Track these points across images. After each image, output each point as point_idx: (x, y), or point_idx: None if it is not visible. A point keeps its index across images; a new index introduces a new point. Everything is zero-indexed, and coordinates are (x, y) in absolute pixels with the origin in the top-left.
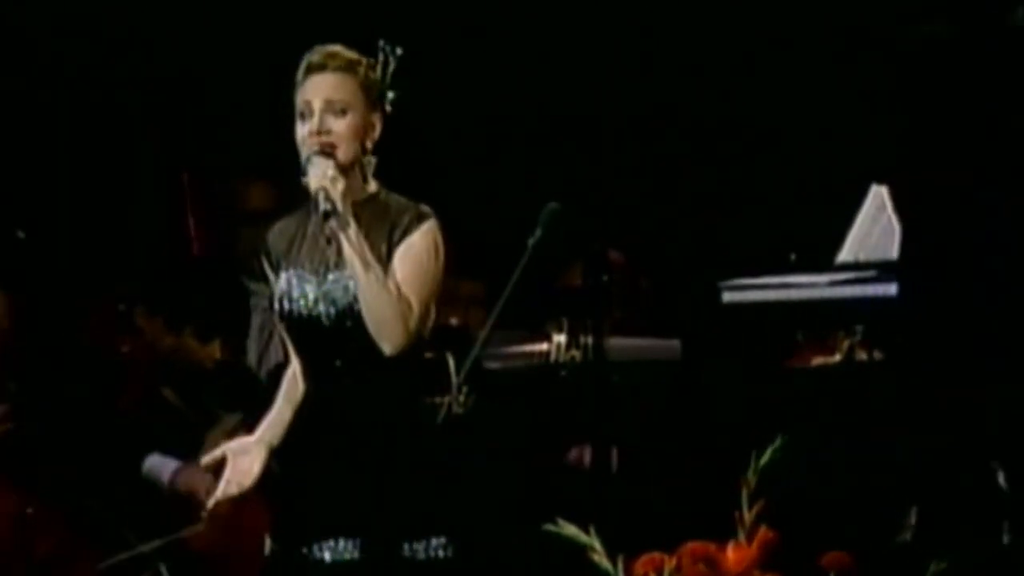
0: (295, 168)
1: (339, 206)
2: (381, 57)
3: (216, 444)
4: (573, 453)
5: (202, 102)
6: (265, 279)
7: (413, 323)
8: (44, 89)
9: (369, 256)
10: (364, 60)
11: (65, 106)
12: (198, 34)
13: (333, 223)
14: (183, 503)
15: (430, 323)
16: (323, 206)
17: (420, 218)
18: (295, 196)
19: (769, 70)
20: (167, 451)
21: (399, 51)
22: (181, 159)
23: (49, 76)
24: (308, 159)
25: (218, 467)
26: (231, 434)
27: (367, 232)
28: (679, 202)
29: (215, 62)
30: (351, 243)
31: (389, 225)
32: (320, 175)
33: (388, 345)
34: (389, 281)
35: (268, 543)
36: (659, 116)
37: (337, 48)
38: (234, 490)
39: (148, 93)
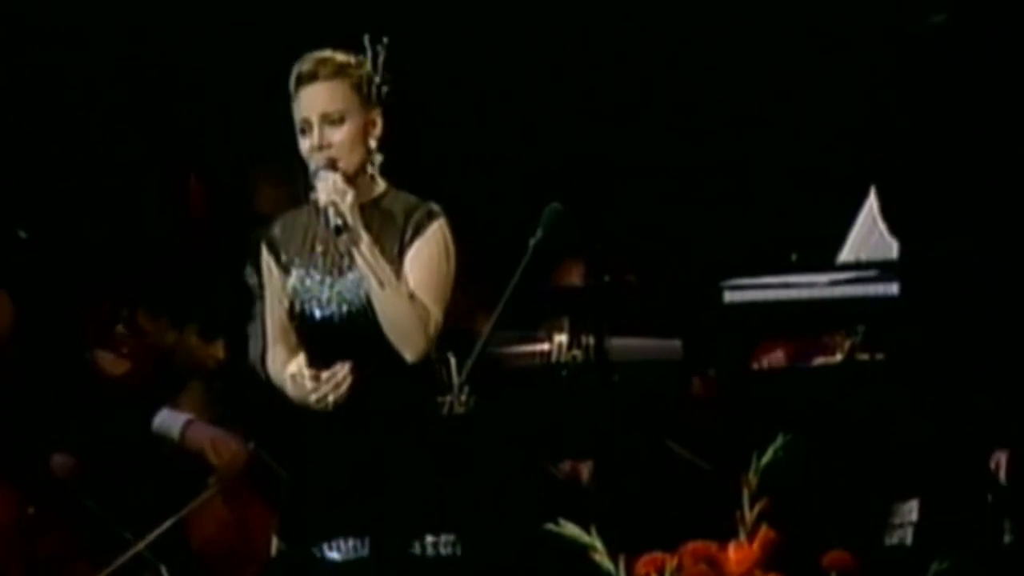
0: (299, 162)
1: (349, 220)
2: (370, 53)
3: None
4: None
5: (205, 99)
6: (269, 274)
7: (432, 328)
8: (46, 87)
9: (383, 267)
10: (353, 60)
11: (66, 104)
12: (201, 32)
13: (345, 238)
14: (191, 467)
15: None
16: (333, 221)
17: (430, 216)
18: (301, 192)
19: (770, 68)
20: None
21: (385, 41)
22: (185, 157)
23: (50, 75)
24: (315, 173)
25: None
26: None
27: (377, 235)
28: (680, 201)
29: (219, 59)
30: (364, 258)
31: (399, 225)
32: (328, 190)
33: (410, 353)
34: (403, 286)
35: (275, 542)
36: (660, 115)
37: (325, 54)
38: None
39: (151, 91)
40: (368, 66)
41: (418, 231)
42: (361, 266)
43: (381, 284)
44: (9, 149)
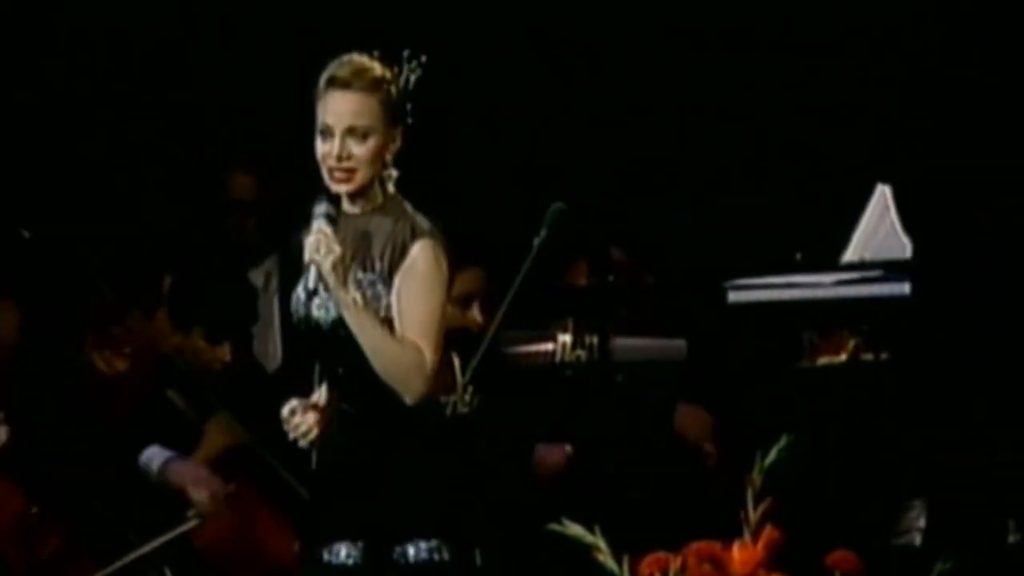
0: (286, 157)
1: (329, 282)
2: (405, 69)
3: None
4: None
5: (207, 96)
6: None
7: (429, 367)
8: (46, 86)
9: (370, 321)
10: (388, 75)
11: (66, 104)
12: (201, 29)
13: (325, 297)
14: (170, 497)
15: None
16: (311, 284)
17: (414, 235)
18: (283, 186)
19: (772, 68)
20: (170, 448)
21: (423, 59)
22: (178, 151)
23: (50, 74)
24: (313, 214)
25: (214, 464)
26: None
27: (361, 257)
28: (683, 201)
29: (219, 56)
30: (350, 319)
31: (384, 240)
32: (312, 248)
33: (410, 397)
34: (392, 332)
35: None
36: (662, 115)
37: (363, 62)
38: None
39: (153, 89)
40: (400, 83)
41: (403, 253)
42: (349, 323)
43: (369, 337)
44: (10, 149)
